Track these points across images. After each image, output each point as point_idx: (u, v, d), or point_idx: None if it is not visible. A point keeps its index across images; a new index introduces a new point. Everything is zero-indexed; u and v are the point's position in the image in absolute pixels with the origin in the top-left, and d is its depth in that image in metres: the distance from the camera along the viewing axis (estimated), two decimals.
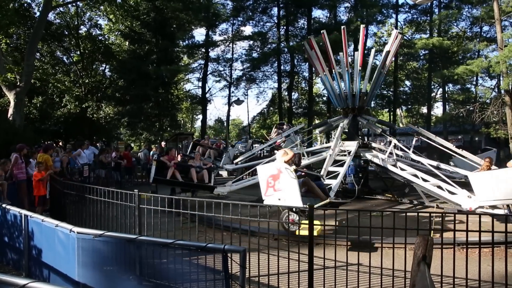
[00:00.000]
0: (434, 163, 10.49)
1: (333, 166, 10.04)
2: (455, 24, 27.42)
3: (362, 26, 12.65)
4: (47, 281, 4.56)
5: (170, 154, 10.93)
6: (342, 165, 9.97)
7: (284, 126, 15.12)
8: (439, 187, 8.62)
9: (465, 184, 8.39)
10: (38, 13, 21.55)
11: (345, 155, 10.67)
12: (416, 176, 9.30)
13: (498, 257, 4.50)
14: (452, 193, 8.23)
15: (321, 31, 12.34)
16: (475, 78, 26.61)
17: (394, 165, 9.99)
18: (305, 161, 10.51)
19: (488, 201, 7.24)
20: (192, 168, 10.49)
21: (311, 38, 12.65)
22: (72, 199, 7.74)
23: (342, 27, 12.36)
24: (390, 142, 10.90)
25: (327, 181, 8.87)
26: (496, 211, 7.22)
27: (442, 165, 10.46)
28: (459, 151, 10.34)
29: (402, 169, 9.76)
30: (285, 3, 26.90)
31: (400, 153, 11.18)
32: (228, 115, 30.20)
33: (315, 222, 5.08)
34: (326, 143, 13.86)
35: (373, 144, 11.63)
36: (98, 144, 28.72)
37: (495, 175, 7.27)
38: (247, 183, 10.25)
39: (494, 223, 4.07)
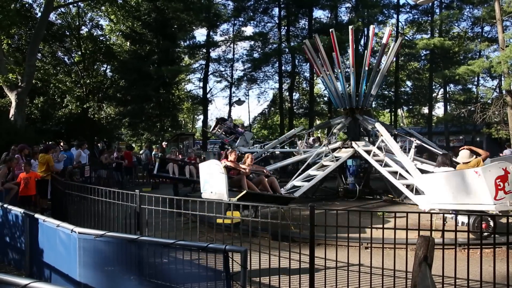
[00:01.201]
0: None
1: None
2: (456, 24, 27.38)
3: (372, 26, 12.72)
4: (49, 281, 4.56)
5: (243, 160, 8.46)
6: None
7: (227, 122, 15.08)
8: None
9: None
10: (39, 14, 21.60)
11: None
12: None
13: (499, 258, 4.48)
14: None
15: (330, 30, 12.35)
16: (476, 78, 26.55)
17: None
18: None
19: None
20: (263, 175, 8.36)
21: (316, 36, 12.64)
22: (73, 199, 7.75)
23: (350, 27, 12.38)
24: (380, 140, 10.94)
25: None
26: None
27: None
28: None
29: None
30: (286, 4, 26.89)
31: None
32: (229, 116, 30.23)
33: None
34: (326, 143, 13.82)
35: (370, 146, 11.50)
36: (99, 145, 28.84)
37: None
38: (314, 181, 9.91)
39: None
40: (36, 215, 4.93)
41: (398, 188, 9.47)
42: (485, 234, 5.86)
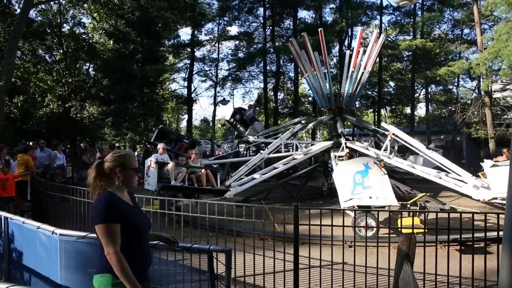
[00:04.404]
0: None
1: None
2: (437, 26, 27.96)
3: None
4: (28, 285, 4.47)
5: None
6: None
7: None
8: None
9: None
10: (18, 10, 21.06)
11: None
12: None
13: (478, 254, 4.61)
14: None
15: (319, 29, 12.44)
16: (456, 79, 27.18)
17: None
18: None
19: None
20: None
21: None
22: (54, 200, 7.60)
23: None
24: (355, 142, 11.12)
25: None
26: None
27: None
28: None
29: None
30: (271, 4, 26.94)
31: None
32: (214, 115, 30.14)
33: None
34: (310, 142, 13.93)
35: (349, 144, 11.37)
36: (82, 145, 28.31)
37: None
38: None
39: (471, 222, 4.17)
40: (15, 217, 4.81)
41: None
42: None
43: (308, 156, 10.86)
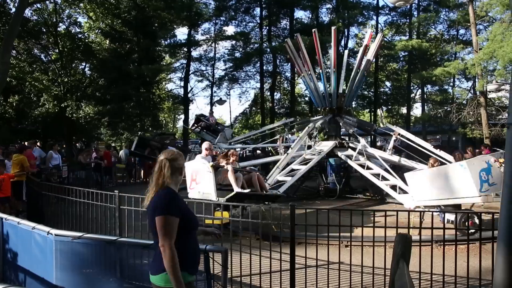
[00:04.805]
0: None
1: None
2: (433, 27, 28.11)
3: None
4: (23, 286, 4.45)
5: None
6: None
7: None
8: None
9: None
10: (13, 9, 20.91)
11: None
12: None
13: (473, 253, 4.64)
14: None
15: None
16: (452, 79, 27.33)
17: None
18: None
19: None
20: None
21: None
22: (50, 200, 7.56)
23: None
24: (359, 142, 11.16)
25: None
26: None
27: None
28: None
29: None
30: (267, 4, 26.96)
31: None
32: (211, 114, 30.02)
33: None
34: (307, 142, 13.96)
35: (351, 144, 11.72)
36: (77, 145, 28.16)
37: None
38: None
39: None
40: (10, 217, 4.78)
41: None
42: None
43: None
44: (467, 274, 4.24)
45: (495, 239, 3.24)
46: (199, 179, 7.41)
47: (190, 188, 7.64)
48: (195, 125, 14.22)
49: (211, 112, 17.02)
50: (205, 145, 8.27)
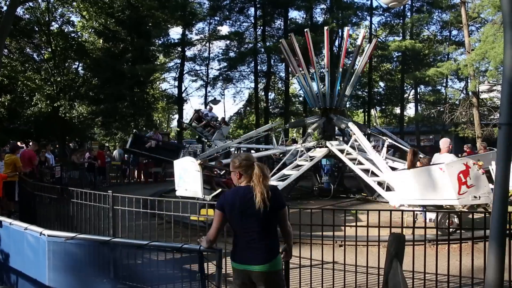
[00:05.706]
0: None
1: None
2: (426, 27, 28.32)
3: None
4: (15, 287, 4.41)
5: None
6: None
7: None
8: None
9: None
10: (5, 8, 20.67)
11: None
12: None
13: (465, 252, 4.69)
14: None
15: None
16: (445, 80, 27.55)
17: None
18: None
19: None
20: None
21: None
22: (43, 201, 7.50)
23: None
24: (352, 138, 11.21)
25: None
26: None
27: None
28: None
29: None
30: (261, 4, 26.96)
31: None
32: (206, 114, 29.93)
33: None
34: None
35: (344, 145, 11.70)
36: (71, 144, 27.94)
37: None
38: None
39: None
40: (2, 218, 4.74)
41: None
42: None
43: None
44: (460, 273, 4.28)
45: (487, 238, 3.28)
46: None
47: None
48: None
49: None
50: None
